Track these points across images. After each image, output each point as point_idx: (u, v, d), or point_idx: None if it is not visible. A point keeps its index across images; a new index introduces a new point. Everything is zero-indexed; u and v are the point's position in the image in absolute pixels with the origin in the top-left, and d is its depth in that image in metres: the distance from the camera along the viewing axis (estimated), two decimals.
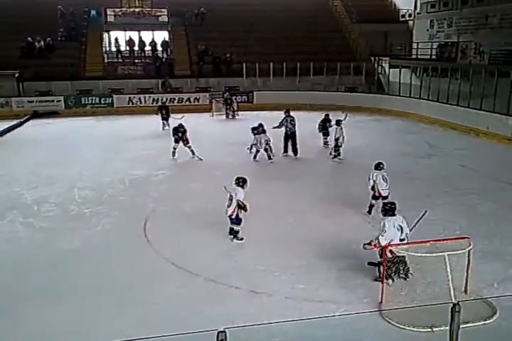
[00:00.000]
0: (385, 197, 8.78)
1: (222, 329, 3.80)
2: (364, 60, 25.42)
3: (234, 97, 21.96)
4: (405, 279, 6.47)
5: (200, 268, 7.25)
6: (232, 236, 8.23)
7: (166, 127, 17.44)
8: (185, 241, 8.26)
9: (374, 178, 8.96)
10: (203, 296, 6.53)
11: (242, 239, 8.18)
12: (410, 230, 6.67)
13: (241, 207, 7.95)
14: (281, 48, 24.85)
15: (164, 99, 23.09)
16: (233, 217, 8.04)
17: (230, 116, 21.38)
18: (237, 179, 8.07)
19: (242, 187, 7.98)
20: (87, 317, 5.98)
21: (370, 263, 6.76)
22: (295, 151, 14.14)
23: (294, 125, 13.99)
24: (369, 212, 9.23)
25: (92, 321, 5.89)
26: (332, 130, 14.01)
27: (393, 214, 6.61)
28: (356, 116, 13.65)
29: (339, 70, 23.89)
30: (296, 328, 5.48)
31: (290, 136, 14.08)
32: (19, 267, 7.44)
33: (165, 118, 18.10)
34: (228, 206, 8.00)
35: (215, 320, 5.38)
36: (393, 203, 6.79)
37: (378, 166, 9.03)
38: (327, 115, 15.28)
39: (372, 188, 9.05)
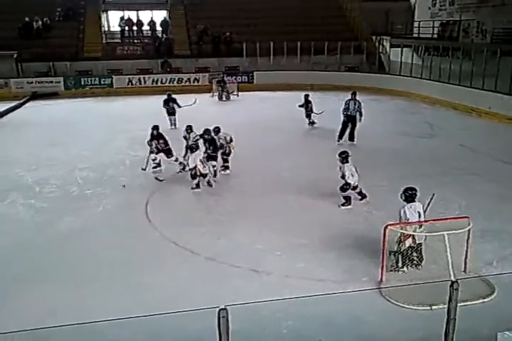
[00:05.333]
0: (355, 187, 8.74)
1: (223, 307, 3.84)
2: (365, 40, 25.13)
3: (227, 78, 21.71)
4: (417, 268, 6.40)
5: (200, 247, 7.31)
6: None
7: (173, 126, 14.93)
8: (186, 221, 8.31)
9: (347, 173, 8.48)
10: (204, 275, 6.60)
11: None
12: (424, 214, 6.51)
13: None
14: (281, 27, 24.51)
15: (164, 80, 22.97)
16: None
17: (224, 98, 20.79)
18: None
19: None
20: (88, 296, 6.04)
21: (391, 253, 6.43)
22: (352, 137, 13.16)
23: (357, 110, 13.05)
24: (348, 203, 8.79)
25: (93, 300, 5.95)
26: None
27: (413, 201, 6.42)
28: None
29: (340, 50, 23.61)
30: (295, 306, 5.53)
31: (350, 121, 13.10)
32: (20, 247, 7.49)
33: (172, 113, 15.31)
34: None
35: (216, 299, 5.43)
36: (414, 189, 6.49)
37: (346, 158, 8.56)
38: (307, 95, 15.18)
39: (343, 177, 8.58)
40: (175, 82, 23.08)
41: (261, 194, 9.47)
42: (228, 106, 19.93)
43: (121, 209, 8.98)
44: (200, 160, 9.58)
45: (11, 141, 14.36)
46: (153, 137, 10.66)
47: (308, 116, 15.21)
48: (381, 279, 6.19)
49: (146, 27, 26.75)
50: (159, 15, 27.19)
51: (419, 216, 6.38)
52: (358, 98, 13.36)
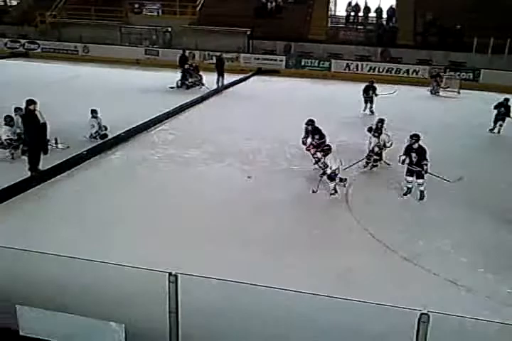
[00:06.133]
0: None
1: (425, 312, 3.74)
2: None
3: (448, 74, 20.54)
4: None
5: (398, 245, 7.17)
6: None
7: (368, 112, 15.51)
8: (386, 214, 8.23)
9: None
10: (396, 274, 6.48)
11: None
12: None
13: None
14: None
15: (381, 69, 22.60)
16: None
17: (434, 92, 19.70)
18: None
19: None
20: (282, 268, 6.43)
21: None
22: None
23: None
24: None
25: (288, 272, 6.31)
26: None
27: None
28: None
29: None
30: (491, 332, 5.07)
31: None
32: (224, 209, 8.29)
33: (370, 101, 15.60)
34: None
35: (406, 300, 5.28)
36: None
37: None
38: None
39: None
40: (392, 72, 22.52)
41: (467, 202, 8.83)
42: (437, 103, 18.70)
43: (323, 190, 9.24)
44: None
45: (234, 111, 15.75)
46: (307, 132, 10.39)
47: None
48: None
49: (372, 14, 26.51)
50: (387, 3, 26.62)
51: None
52: None
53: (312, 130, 10.28)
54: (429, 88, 19.99)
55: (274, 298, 4.37)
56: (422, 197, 8.91)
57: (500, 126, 13.75)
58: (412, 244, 7.27)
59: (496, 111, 13.72)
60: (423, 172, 8.70)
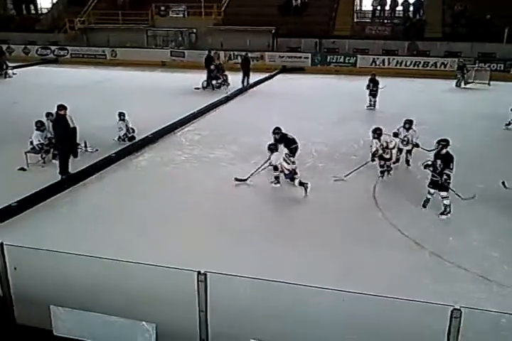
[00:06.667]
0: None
1: (457, 307, 3.68)
2: None
3: (479, 65, 20.18)
4: None
5: (426, 240, 7.07)
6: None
7: (371, 106, 15.46)
8: (413, 211, 8.11)
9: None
10: (426, 270, 6.40)
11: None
12: None
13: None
14: None
15: (409, 63, 22.27)
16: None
17: (463, 85, 19.32)
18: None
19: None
20: (315, 265, 6.43)
21: None
22: None
23: None
24: None
25: (318, 269, 6.30)
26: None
27: None
28: None
29: None
30: None
31: None
32: (239, 207, 8.39)
33: (373, 95, 15.42)
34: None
35: (439, 296, 5.22)
36: None
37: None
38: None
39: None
40: (420, 66, 22.17)
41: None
42: (465, 95, 18.27)
43: (350, 187, 9.20)
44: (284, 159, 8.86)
45: (260, 109, 15.76)
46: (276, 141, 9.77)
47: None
48: None
49: (399, 7, 26.09)
50: None
51: None
52: None
53: (279, 138, 9.79)
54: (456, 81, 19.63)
55: (303, 295, 4.37)
56: (444, 212, 7.81)
57: None
58: (441, 240, 7.14)
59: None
60: (440, 182, 7.70)
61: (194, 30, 26.29)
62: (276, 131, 9.89)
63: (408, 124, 9.97)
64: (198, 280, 4.32)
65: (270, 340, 4.19)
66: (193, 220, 7.83)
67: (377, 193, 8.94)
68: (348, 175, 9.47)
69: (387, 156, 9.55)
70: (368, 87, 15.36)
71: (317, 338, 4.42)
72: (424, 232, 7.38)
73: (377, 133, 9.40)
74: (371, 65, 23.04)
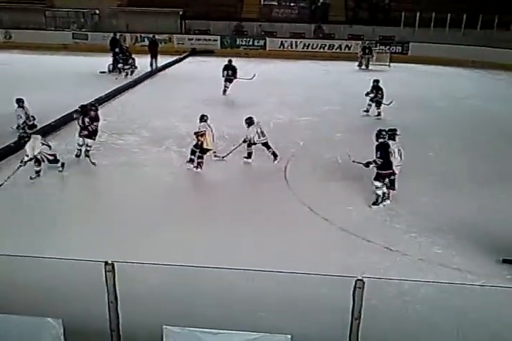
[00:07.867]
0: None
1: (360, 278, 3.85)
2: None
3: (379, 48, 21.30)
4: None
5: (335, 217, 7.35)
6: None
7: (227, 92, 14.96)
8: (322, 188, 8.39)
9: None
10: (334, 244, 6.66)
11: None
12: None
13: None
14: None
15: (315, 46, 22.80)
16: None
17: (363, 67, 20.41)
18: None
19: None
20: (227, 245, 6.46)
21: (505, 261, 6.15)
22: None
23: None
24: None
25: (230, 249, 6.33)
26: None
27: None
28: None
29: None
30: (427, 291, 5.34)
31: None
32: (169, 189, 8.32)
33: (229, 80, 14.98)
34: None
35: (345, 269, 5.45)
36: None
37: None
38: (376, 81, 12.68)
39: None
40: (326, 48, 22.80)
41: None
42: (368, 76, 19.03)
43: (262, 168, 9.38)
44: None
45: (170, 92, 15.43)
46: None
47: (378, 103, 12.70)
48: None
49: None
50: None
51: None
52: None
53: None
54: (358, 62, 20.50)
55: (218, 277, 4.37)
56: (376, 202, 7.67)
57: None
58: (350, 216, 7.46)
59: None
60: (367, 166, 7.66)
61: (97, 12, 25.03)
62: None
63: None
64: (105, 271, 4.16)
65: (184, 325, 4.14)
66: (102, 209, 7.53)
67: (288, 170, 9.15)
68: (226, 155, 9.56)
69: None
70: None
71: (230, 318, 4.45)
72: (333, 209, 7.63)
73: (247, 122, 9.42)
74: (280, 47, 23.37)
